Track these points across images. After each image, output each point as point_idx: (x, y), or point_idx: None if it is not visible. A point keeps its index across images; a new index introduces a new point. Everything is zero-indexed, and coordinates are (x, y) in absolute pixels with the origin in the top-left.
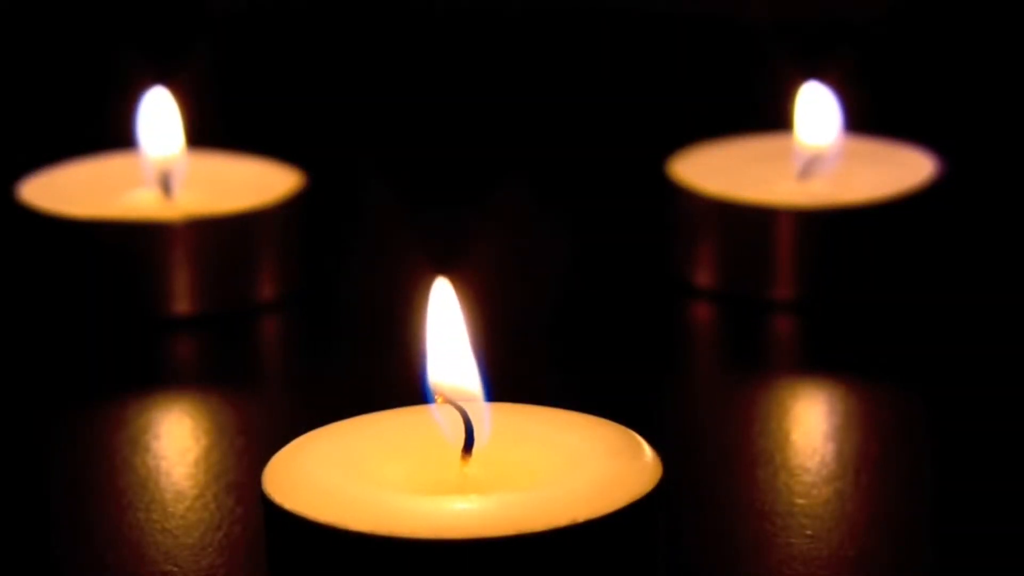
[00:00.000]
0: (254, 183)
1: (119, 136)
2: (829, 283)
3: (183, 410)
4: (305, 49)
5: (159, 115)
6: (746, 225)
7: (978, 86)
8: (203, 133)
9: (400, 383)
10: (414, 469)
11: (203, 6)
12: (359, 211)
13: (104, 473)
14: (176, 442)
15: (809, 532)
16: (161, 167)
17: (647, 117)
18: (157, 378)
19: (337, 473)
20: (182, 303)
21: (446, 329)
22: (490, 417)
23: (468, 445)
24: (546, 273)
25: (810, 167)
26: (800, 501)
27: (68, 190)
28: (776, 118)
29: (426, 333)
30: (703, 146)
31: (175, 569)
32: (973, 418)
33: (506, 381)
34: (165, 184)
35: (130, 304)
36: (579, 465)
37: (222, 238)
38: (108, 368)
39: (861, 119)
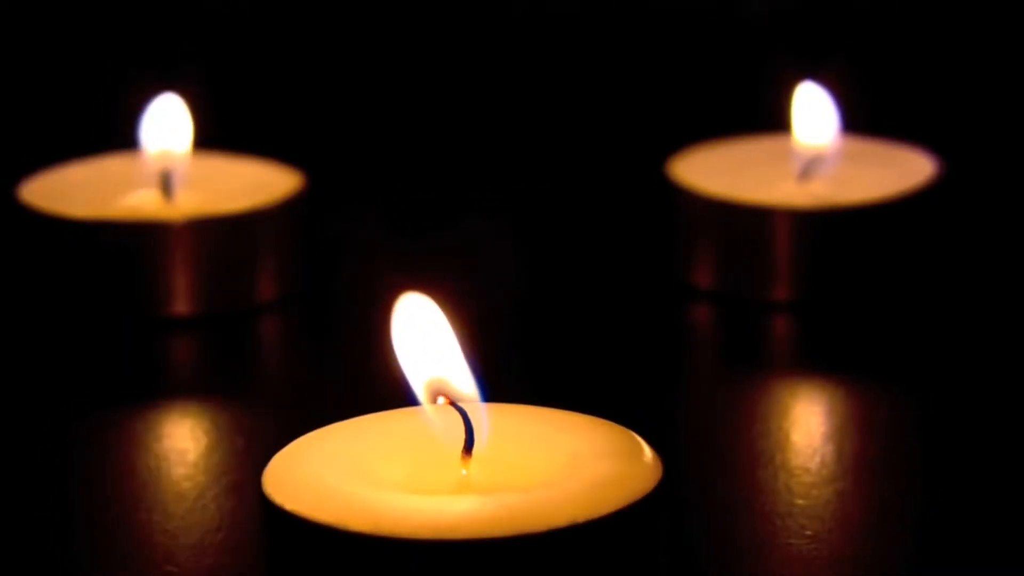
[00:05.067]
0: (254, 183)
1: (120, 137)
2: (828, 284)
3: (183, 411)
4: (305, 49)
5: (166, 116)
6: (746, 226)
7: (978, 86)
8: (203, 133)
9: (400, 384)
10: (414, 470)
11: (203, 6)
12: (359, 211)
13: (104, 474)
14: (176, 443)
15: (809, 533)
16: (162, 168)
17: (647, 117)
18: (157, 378)
19: (337, 474)
20: (182, 303)
21: (428, 338)
22: (490, 418)
23: (468, 446)
24: (545, 273)
25: (810, 168)
26: (800, 502)
27: (69, 191)
28: (776, 118)
29: (403, 342)
30: (703, 146)
31: (175, 570)
32: (973, 418)
33: (505, 382)
34: (165, 185)
35: (130, 304)
36: (579, 466)
37: (222, 238)
38: (108, 368)
39: (860, 119)
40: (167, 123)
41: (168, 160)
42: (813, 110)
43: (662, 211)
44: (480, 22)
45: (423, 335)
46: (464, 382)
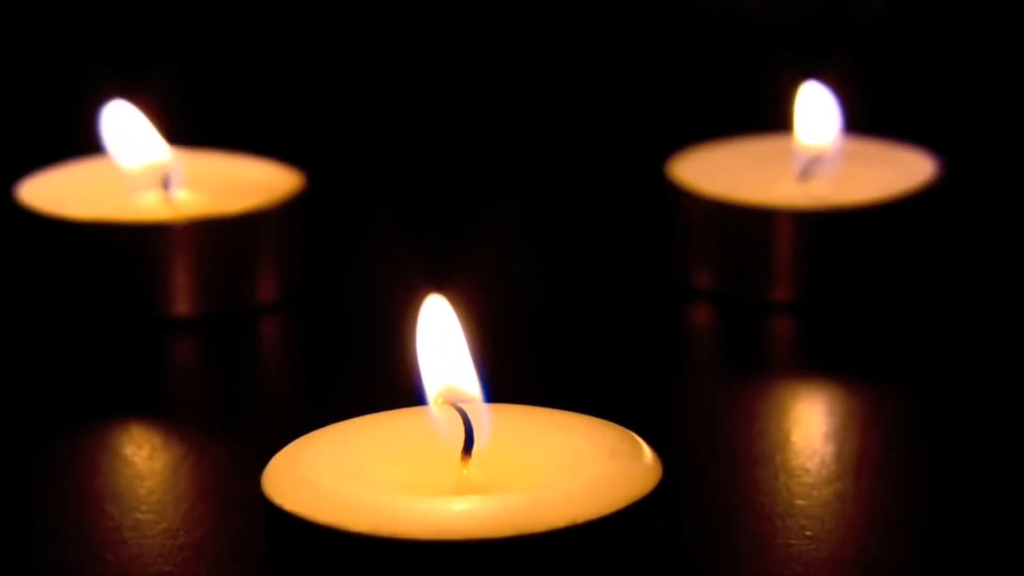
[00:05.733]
0: (254, 183)
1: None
2: (829, 285)
3: (183, 411)
4: (305, 49)
5: (128, 128)
6: (746, 226)
7: (978, 86)
8: (201, 133)
9: (400, 384)
10: (414, 470)
11: (203, 5)
12: (360, 212)
13: (104, 474)
14: (177, 443)
15: (809, 533)
16: (160, 169)
17: (647, 117)
18: (158, 379)
19: (337, 474)
20: (182, 304)
21: (443, 339)
22: (489, 418)
23: (468, 446)
24: (545, 274)
25: (810, 168)
26: (800, 502)
27: (68, 192)
28: (776, 118)
29: (422, 342)
30: (703, 146)
31: (175, 570)
32: (973, 419)
33: (505, 382)
34: (165, 185)
35: (130, 305)
36: (579, 466)
37: (222, 239)
38: (109, 369)
39: (861, 120)
40: (129, 135)
41: (155, 168)
42: (816, 110)
43: (662, 211)
44: (480, 22)
45: (433, 335)
46: (468, 382)
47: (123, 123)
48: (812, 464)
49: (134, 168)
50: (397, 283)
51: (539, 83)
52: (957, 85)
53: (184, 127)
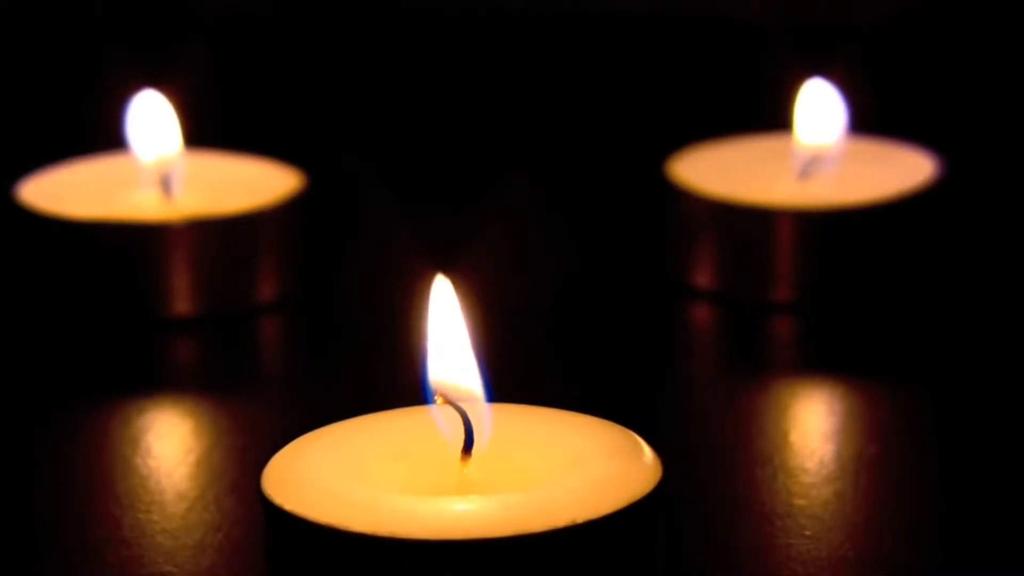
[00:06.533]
0: (254, 183)
1: (118, 137)
2: (829, 284)
3: (183, 411)
4: (305, 49)
5: (154, 116)
6: (746, 226)
7: (978, 86)
8: (202, 133)
9: (400, 384)
10: (414, 470)
11: (201, 6)
12: (359, 212)
13: (104, 474)
14: (176, 443)
15: (808, 533)
16: (161, 168)
17: (647, 117)
18: (157, 379)
19: (337, 474)
20: (182, 304)
21: (446, 328)
22: (490, 418)
23: (468, 446)
24: (545, 274)
25: (810, 168)
26: (799, 502)
27: (68, 191)
28: (776, 118)
29: (426, 333)
30: (703, 146)
31: (175, 570)
32: (973, 418)
33: (506, 382)
34: (165, 185)
35: (130, 305)
36: (579, 466)
37: (222, 239)
38: (108, 369)
39: (862, 119)
40: (156, 123)
41: (166, 162)
42: (819, 108)
43: (662, 211)
44: (480, 21)
45: (438, 330)
46: (469, 382)
47: (151, 114)
48: (811, 464)
49: (148, 162)
50: (397, 283)
51: (539, 83)
52: (957, 85)
53: (184, 127)
